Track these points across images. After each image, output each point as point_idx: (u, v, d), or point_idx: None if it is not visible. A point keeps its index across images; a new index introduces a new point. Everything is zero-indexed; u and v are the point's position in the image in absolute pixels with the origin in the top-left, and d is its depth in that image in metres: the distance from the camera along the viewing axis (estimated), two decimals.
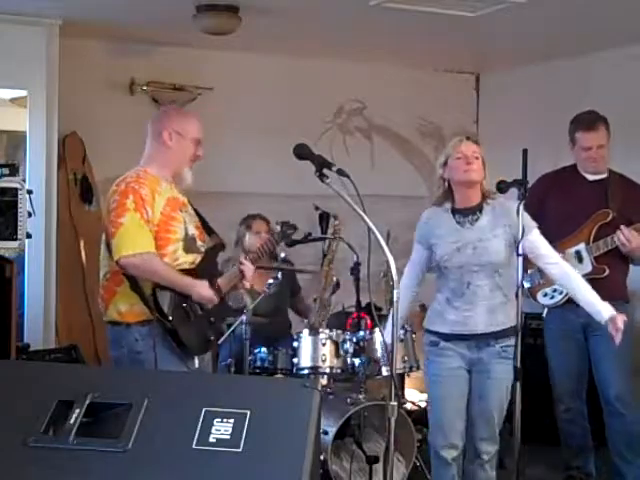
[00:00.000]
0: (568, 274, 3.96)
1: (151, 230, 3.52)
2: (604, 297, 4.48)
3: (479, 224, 3.82)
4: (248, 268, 3.78)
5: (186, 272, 3.59)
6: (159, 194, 3.57)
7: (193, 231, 3.69)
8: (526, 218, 3.81)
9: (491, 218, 3.82)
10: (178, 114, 3.77)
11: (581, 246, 4.60)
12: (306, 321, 5.35)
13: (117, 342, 3.60)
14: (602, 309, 3.86)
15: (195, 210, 3.80)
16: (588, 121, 4.65)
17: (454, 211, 3.86)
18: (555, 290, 4.65)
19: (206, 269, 3.67)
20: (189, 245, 3.64)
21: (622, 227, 4.47)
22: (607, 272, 4.53)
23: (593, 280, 4.51)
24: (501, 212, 3.80)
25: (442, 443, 3.85)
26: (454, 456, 3.86)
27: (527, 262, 4.19)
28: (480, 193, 3.84)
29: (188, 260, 3.63)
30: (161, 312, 3.49)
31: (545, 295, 4.68)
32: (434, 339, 3.87)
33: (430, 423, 3.97)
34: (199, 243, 3.71)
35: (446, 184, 3.87)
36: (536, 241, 3.87)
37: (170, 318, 3.50)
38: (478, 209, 3.83)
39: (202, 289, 3.59)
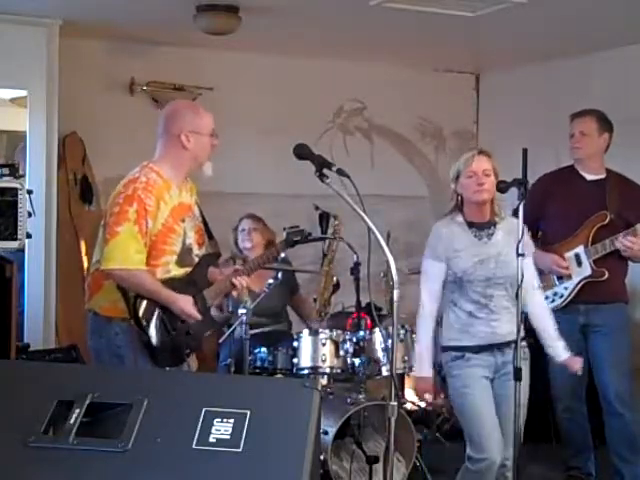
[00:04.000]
0: (541, 306, 3.98)
1: (147, 243, 3.48)
2: (603, 299, 4.54)
3: (495, 239, 3.84)
4: (240, 282, 3.74)
5: (175, 280, 3.58)
6: (165, 203, 3.52)
7: (191, 239, 3.66)
8: (527, 239, 3.86)
9: (505, 234, 3.84)
10: (190, 112, 3.64)
11: (580, 249, 4.61)
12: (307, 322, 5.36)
13: (96, 332, 3.58)
14: (561, 348, 3.90)
15: (200, 210, 3.77)
16: (578, 111, 4.73)
17: (469, 225, 3.84)
18: (555, 294, 4.66)
19: (196, 279, 3.65)
20: (183, 258, 3.62)
21: (622, 234, 4.48)
22: (606, 275, 4.54)
23: (592, 283, 4.55)
24: (511, 229, 3.81)
25: (493, 453, 3.71)
26: (499, 464, 3.77)
27: None
28: (491, 209, 3.84)
29: (179, 273, 3.61)
30: (138, 323, 3.48)
31: (546, 298, 4.68)
32: (458, 353, 3.81)
33: (472, 437, 3.79)
34: (195, 252, 3.68)
35: (459, 198, 3.86)
36: (527, 264, 3.80)
37: (146, 330, 3.48)
38: (492, 224, 3.85)
39: (185, 305, 3.55)
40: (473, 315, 3.81)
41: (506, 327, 3.79)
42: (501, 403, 3.81)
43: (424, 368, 3.88)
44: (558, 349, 3.90)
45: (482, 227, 3.84)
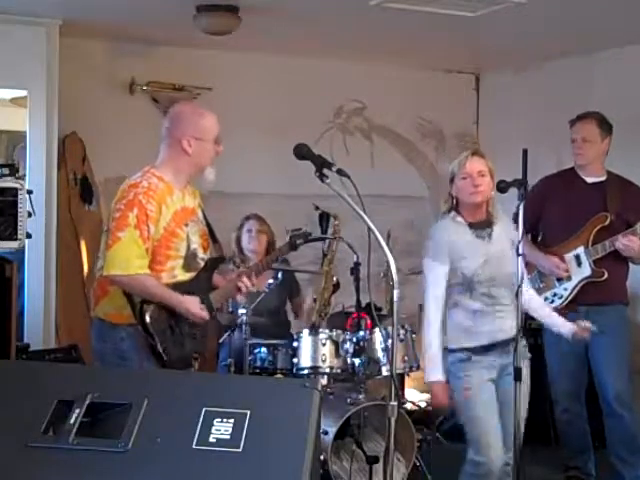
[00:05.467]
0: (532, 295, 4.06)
1: (149, 248, 3.45)
2: (603, 300, 4.55)
3: (495, 236, 3.84)
4: (246, 285, 3.72)
5: (181, 285, 3.55)
6: (167, 207, 3.49)
7: (196, 243, 3.62)
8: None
9: (501, 230, 3.85)
10: (194, 116, 3.59)
11: (580, 250, 4.62)
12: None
13: (100, 336, 3.56)
14: (562, 326, 3.98)
15: (204, 214, 3.75)
16: (579, 115, 4.71)
17: (469, 226, 3.83)
18: (555, 294, 4.67)
19: (201, 283, 3.63)
20: (189, 262, 3.59)
21: (622, 234, 4.49)
22: (606, 275, 4.55)
23: (592, 284, 4.56)
24: (504, 226, 3.86)
25: (501, 455, 3.73)
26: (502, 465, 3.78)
27: (528, 267, 4.23)
28: (486, 208, 3.84)
29: (185, 278, 3.58)
30: (145, 328, 3.46)
31: (545, 299, 4.69)
32: (463, 356, 3.78)
33: (475, 441, 3.78)
34: (200, 255, 3.65)
35: (454, 200, 3.84)
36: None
37: (153, 336, 3.46)
38: (489, 223, 3.85)
39: (191, 306, 3.52)
40: (480, 313, 3.78)
41: (511, 322, 3.75)
42: (504, 404, 3.79)
43: (438, 372, 3.77)
44: (556, 320, 4.00)
45: (481, 227, 3.84)
